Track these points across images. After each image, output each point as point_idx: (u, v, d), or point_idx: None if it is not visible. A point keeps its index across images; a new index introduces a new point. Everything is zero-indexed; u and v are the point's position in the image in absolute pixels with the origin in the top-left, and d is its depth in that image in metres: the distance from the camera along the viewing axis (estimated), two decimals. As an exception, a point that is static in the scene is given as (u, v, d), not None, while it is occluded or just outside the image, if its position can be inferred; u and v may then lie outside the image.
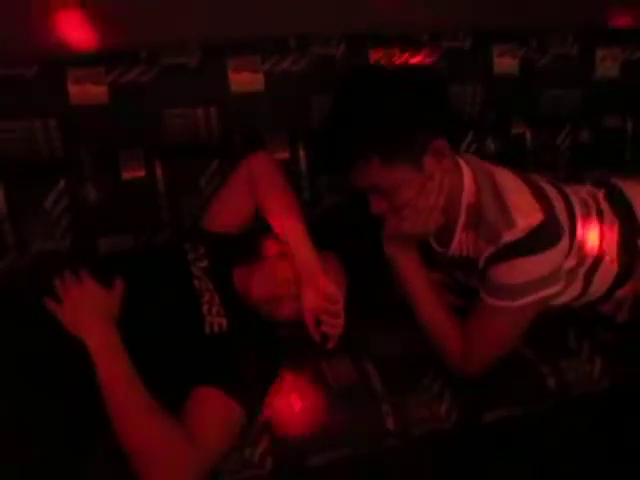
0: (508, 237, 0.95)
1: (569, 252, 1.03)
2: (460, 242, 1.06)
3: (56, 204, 1.25)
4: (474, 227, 1.02)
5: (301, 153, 1.35)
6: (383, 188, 0.97)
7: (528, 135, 1.51)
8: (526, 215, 0.95)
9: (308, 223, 1.11)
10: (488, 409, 1.07)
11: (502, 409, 1.07)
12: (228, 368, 0.95)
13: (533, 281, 0.96)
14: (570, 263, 1.05)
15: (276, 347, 1.06)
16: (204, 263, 1.10)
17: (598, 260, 1.10)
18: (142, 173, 1.28)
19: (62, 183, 1.24)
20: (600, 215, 1.12)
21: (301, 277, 1.05)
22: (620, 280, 1.13)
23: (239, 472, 0.94)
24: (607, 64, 1.51)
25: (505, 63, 1.43)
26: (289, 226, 1.09)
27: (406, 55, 1.34)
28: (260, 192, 1.14)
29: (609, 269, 1.12)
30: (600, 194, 1.16)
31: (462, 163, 1.05)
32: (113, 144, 1.27)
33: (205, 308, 1.02)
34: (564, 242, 0.98)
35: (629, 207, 1.14)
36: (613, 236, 1.11)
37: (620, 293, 1.15)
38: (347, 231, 1.27)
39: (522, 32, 1.46)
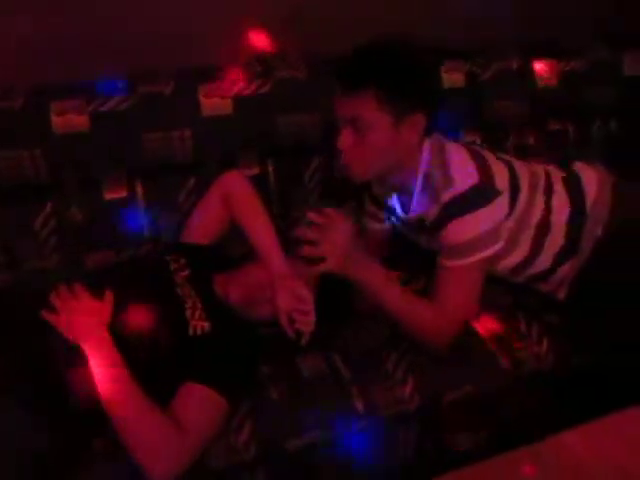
0: (446, 196, 1.12)
1: (509, 213, 1.18)
2: (418, 205, 1.21)
3: (44, 225, 1.34)
4: (426, 191, 1.18)
5: (270, 169, 1.47)
6: (362, 121, 1.08)
7: (478, 141, 1.63)
8: (462, 178, 1.13)
9: (278, 233, 1.21)
10: (448, 390, 1.19)
11: (460, 389, 1.19)
12: (211, 365, 1.05)
13: (475, 239, 1.12)
14: (510, 224, 1.19)
15: (254, 344, 1.17)
16: (186, 272, 1.21)
17: (545, 229, 1.24)
18: (124, 193, 1.38)
19: (49, 206, 1.34)
20: (549, 191, 1.25)
21: (274, 281, 1.15)
22: (564, 255, 1.26)
23: (226, 457, 1.04)
24: (545, 75, 1.66)
25: (453, 77, 1.57)
26: (261, 235, 1.20)
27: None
28: (234, 206, 1.25)
29: (556, 241, 1.26)
30: (559, 176, 1.30)
31: (426, 141, 1.19)
32: (95, 168, 1.37)
33: (188, 313, 1.13)
34: (499, 202, 1.15)
35: (581, 191, 1.28)
36: (563, 213, 1.25)
37: (562, 270, 1.28)
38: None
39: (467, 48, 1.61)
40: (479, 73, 1.59)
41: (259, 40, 1.46)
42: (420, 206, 1.21)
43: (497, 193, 1.15)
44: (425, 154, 1.18)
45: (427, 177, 1.18)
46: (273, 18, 1.45)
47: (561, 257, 1.27)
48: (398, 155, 1.15)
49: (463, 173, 1.14)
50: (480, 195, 1.13)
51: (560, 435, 0.81)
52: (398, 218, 1.33)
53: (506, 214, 1.17)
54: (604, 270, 1.23)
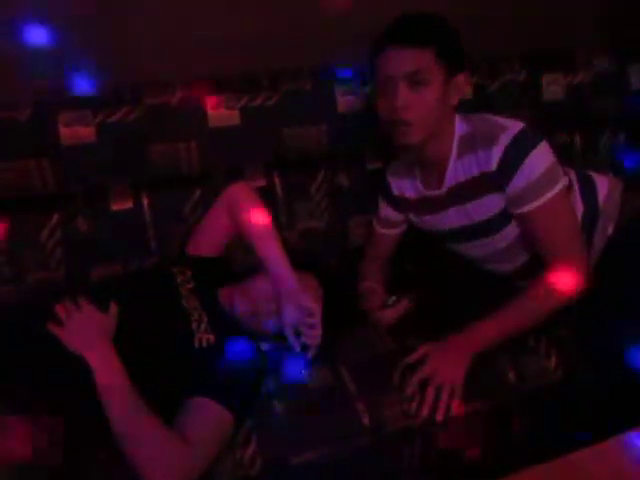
0: (506, 138, 1.13)
1: None
2: (456, 171, 1.21)
3: (50, 237, 1.34)
4: (469, 150, 1.18)
5: (276, 181, 1.47)
6: (421, 75, 1.11)
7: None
8: (512, 123, 1.16)
9: (285, 244, 1.21)
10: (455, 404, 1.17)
11: (467, 404, 1.17)
12: (216, 378, 1.04)
13: (548, 170, 1.13)
14: None
15: (259, 358, 1.16)
16: (191, 284, 1.20)
17: None
18: (130, 205, 1.39)
19: (55, 217, 1.34)
20: (569, 191, 1.24)
21: (280, 293, 1.14)
22: None
23: (231, 473, 1.02)
24: (552, 88, 1.66)
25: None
26: (268, 248, 1.19)
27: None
28: (240, 218, 1.24)
29: None
30: (572, 172, 1.30)
31: (455, 114, 1.22)
32: (102, 179, 1.37)
33: (194, 325, 1.12)
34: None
35: (594, 190, 1.29)
36: (577, 210, 1.25)
37: None
38: (319, 252, 1.39)
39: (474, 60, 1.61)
40: (487, 85, 1.59)
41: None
42: (463, 168, 1.20)
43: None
44: (458, 121, 1.20)
45: (465, 139, 1.19)
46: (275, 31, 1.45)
47: None
48: (442, 116, 1.16)
49: (508, 121, 1.16)
50: (533, 133, 1.15)
51: (573, 454, 0.80)
52: (422, 205, 1.32)
53: None
54: (615, 270, 1.23)
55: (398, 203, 1.38)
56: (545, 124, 1.65)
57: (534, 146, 1.12)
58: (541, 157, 1.13)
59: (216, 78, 1.41)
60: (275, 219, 1.30)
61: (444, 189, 1.25)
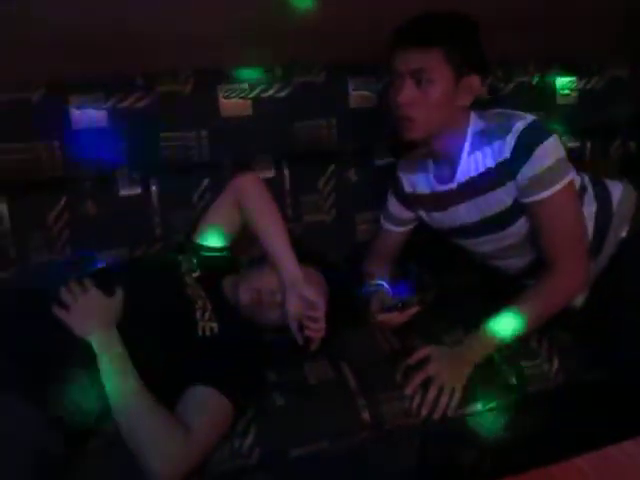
0: (520, 125, 1.14)
1: None
2: (468, 165, 1.22)
3: (57, 220, 1.35)
4: (484, 144, 1.19)
5: (285, 172, 1.47)
6: (427, 74, 1.12)
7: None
8: (526, 115, 1.18)
9: (291, 237, 1.21)
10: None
11: (467, 406, 1.17)
12: (218, 367, 1.04)
13: (560, 160, 1.14)
14: None
15: (261, 348, 1.16)
16: (197, 273, 1.20)
17: None
18: (138, 190, 1.39)
19: (63, 200, 1.34)
20: (583, 190, 1.26)
21: (285, 286, 1.15)
22: (590, 251, 1.24)
23: (229, 461, 1.03)
24: (566, 92, 1.65)
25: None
26: (274, 239, 1.20)
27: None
28: (247, 209, 1.24)
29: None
30: (586, 177, 1.30)
31: (472, 112, 1.23)
32: (111, 164, 1.37)
33: (198, 313, 1.12)
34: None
35: (607, 191, 1.29)
36: (589, 210, 1.25)
37: None
38: (325, 246, 1.39)
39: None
40: (500, 87, 1.58)
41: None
42: (475, 162, 1.21)
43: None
44: (473, 118, 1.21)
45: (480, 135, 1.19)
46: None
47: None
48: (450, 115, 1.17)
49: (524, 113, 1.18)
50: (546, 125, 1.18)
51: (574, 460, 0.79)
52: (434, 201, 1.32)
53: None
54: (626, 274, 1.23)
55: (410, 200, 1.38)
56: (557, 128, 1.66)
57: (547, 136, 1.14)
58: (554, 147, 1.15)
59: (229, 68, 1.41)
60: (282, 211, 1.30)
61: (455, 183, 1.25)
